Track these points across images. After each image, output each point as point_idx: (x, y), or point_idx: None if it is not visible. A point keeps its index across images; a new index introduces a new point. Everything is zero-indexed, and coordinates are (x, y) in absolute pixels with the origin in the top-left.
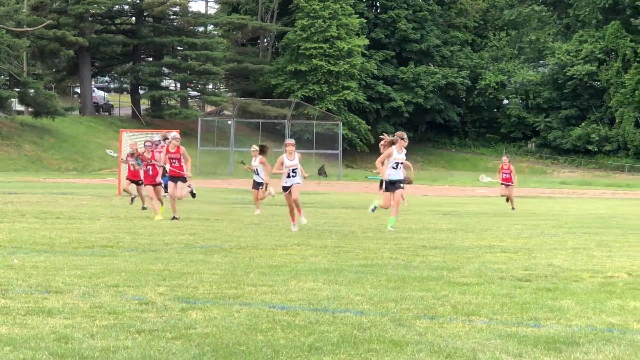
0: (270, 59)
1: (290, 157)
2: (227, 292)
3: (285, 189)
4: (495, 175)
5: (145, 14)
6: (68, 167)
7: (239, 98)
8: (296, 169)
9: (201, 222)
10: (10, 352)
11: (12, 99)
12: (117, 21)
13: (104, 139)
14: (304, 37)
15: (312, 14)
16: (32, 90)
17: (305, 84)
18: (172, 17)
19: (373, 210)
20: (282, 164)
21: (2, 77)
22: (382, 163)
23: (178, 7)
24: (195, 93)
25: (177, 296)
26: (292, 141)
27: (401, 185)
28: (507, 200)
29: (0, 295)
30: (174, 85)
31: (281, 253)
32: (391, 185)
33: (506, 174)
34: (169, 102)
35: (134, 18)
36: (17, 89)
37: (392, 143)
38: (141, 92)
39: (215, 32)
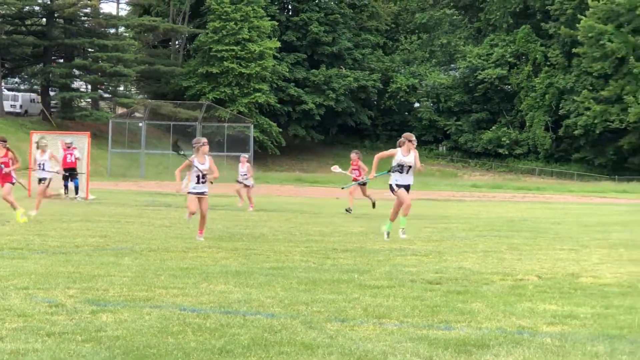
0: (182, 61)
1: (202, 160)
2: (137, 295)
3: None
4: (349, 170)
5: (56, 15)
6: None
7: (150, 100)
8: (206, 175)
9: (112, 225)
10: None
11: None
12: (28, 22)
13: (14, 140)
14: (216, 40)
15: (223, 17)
16: None
17: (217, 86)
18: (83, 18)
19: (388, 235)
20: (190, 165)
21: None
22: (379, 159)
23: (89, 8)
24: (107, 95)
25: (87, 299)
26: (205, 140)
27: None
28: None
29: None
30: (85, 87)
31: (192, 255)
32: (400, 188)
33: (355, 170)
34: (79, 104)
35: (44, 19)
36: None
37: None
38: (52, 93)
39: (127, 34)
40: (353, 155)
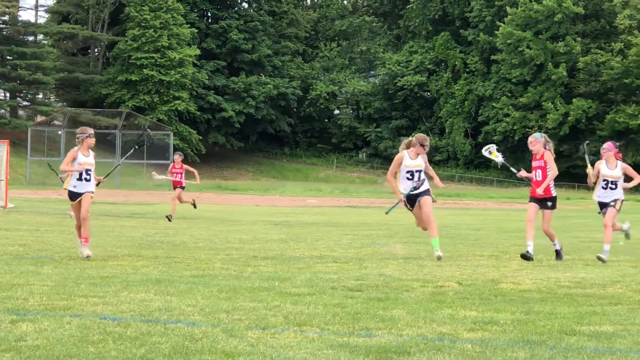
0: (101, 68)
1: (86, 154)
2: (57, 304)
3: (74, 196)
4: (167, 174)
5: None
6: None
7: (69, 108)
8: (90, 170)
9: (31, 233)
10: None
11: None
12: None
13: None
14: (135, 47)
15: (143, 24)
16: None
17: (136, 94)
18: (1, 26)
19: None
20: (74, 159)
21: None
22: (394, 175)
23: (7, 16)
24: (25, 103)
25: (6, 308)
26: (92, 131)
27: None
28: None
29: None
30: (3, 94)
31: (112, 264)
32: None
33: (177, 174)
34: None
35: None
36: None
37: (408, 146)
38: None
39: (46, 42)
40: (176, 157)
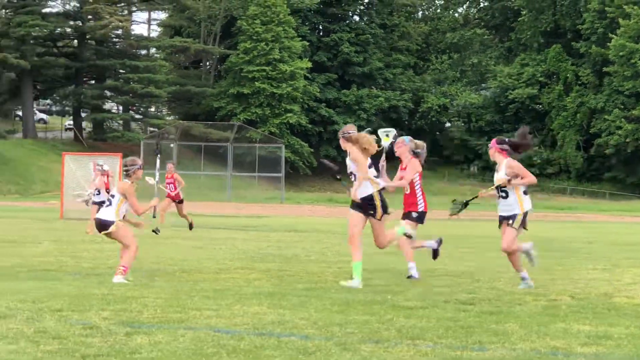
0: (213, 82)
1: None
2: (171, 316)
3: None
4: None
5: (87, 37)
6: (10, 190)
7: (181, 121)
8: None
9: (143, 246)
10: None
11: None
12: (60, 44)
13: (46, 162)
14: (247, 60)
15: (254, 37)
16: None
17: (248, 107)
18: (114, 40)
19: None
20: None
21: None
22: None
23: (120, 30)
24: (138, 116)
25: (121, 320)
26: (140, 161)
27: None
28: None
29: None
30: (116, 108)
31: (225, 277)
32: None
33: (170, 183)
34: (111, 125)
35: (76, 41)
36: None
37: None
38: (83, 114)
39: (158, 55)
40: (169, 166)
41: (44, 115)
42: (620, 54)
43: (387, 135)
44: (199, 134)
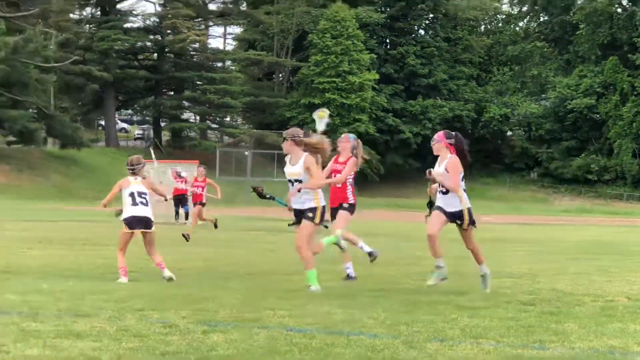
0: (285, 92)
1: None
2: (246, 316)
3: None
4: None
5: (166, 50)
6: (95, 196)
7: (255, 130)
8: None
9: (218, 249)
10: None
11: (40, 131)
12: (140, 57)
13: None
14: (317, 72)
15: (325, 50)
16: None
17: None
18: (192, 53)
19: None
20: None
21: (31, 110)
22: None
23: (197, 44)
24: (214, 125)
25: (199, 319)
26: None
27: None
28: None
29: (31, 318)
30: (193, 118)
31: (297, 278)
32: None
33: (199, 187)
34: (189, 134)
35: (155, 54)
36: (45, 122)
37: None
38: (162, 124)
39: (233, 68)
40: (200, 169)
41: (125, 125)
42: None
43: (320, 114)
44: (272, 143)
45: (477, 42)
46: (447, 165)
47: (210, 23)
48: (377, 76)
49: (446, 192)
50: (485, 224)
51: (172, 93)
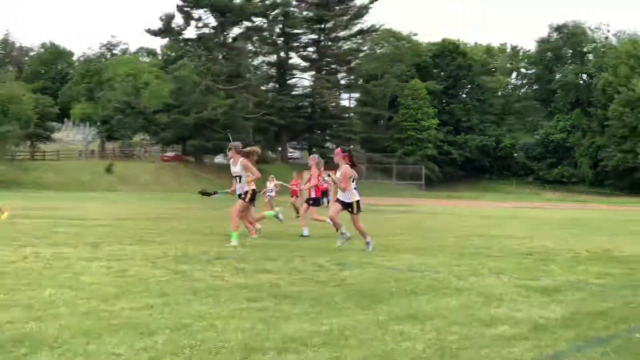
0: (385, 130)
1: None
2: (363, 260)
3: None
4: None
5: (315, 106)
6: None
7: (368, 153)
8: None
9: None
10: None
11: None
12: (301, 111)
13: (291, 177)
14: (403, 119)
15: (407, 106)
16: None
17: (403, 145)
18: (330, 108)
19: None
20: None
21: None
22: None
23: (334, 103)
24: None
25: (336, 262)
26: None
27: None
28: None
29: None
30: (332, 146)
31: (394, 239)
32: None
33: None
34: (329, 156)
35: (309, 109)
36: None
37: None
38: (313, 149)
39: (354, 116)
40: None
41: (293, 151)
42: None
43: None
44: (377, 160)
45: (496, 100)
46: (341, 172)
47: (341, 91)
48: (437, 121)
49: (343, 189)
50: (503, 209)
51: (319, 132)
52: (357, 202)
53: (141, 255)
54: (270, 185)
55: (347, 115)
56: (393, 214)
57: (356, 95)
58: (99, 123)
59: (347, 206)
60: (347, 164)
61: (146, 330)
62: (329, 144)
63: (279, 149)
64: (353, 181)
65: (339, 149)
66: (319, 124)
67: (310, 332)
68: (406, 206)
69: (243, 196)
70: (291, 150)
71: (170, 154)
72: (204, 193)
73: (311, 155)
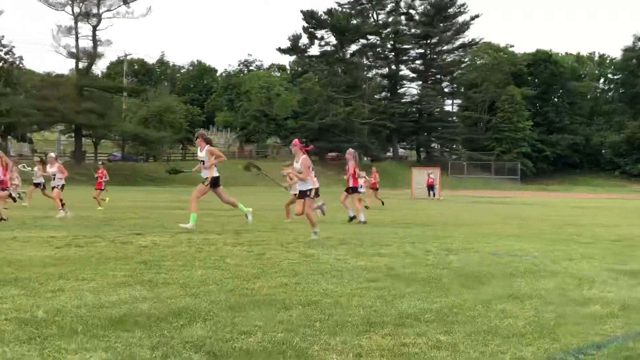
0: (484, 132)
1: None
2: (467, 246)
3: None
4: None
5: (422, 112)
6: (388, 189)
7: (470, 151)
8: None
9: (445, 211)
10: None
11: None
12: (410, 116)
13: (406, 173)
14: (501, 122)
15: (504, 110)
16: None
17: (502, 145)
18: (435, 112)
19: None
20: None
21: (355, 143)
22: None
23: (438, 108)
24: (446, 149)
25: (442, 248)
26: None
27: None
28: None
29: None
30: (437, 146)
31: (493, 228)
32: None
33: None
34: (434, 154)
35: (417, 114)
36: (362, 149)
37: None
38: (420, 149)
39: (456, 119)
40: (373, 169)
41: (402, 151)
42: None
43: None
44: (476, 158)
45: (585, 103)
46: (301, 162)
47: (445, 98)
48: (531, 123)
49: (304, 179)
50: (592, 199)
51: (426, 134)
52: (317, 189)
53: (275, 241)
54: (360, 181)
55: (450, 119)
56: (493, 204)
57: (458, 101)
58: (238, 129)
59: (303, 195)
60: (304, 154)
61: (282, 305)
62: (434, 145)
63: (391, 149)
64: (312, 170)
65: (297, 140)
66: (425, 127)
67: (423, 309)
68: (504, 198)
69: (204, 181)
70: (401, 150)
71: None
72: (173, 171)
73: (349, 150)
